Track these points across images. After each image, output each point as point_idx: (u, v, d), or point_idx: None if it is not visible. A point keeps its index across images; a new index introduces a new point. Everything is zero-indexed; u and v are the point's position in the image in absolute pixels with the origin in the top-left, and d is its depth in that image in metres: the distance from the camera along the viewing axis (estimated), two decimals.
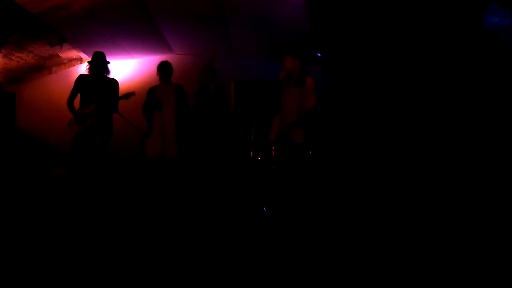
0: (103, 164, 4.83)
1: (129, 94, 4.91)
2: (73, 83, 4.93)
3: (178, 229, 3.85)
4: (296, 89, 4.60)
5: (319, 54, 5.79)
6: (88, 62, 4.98)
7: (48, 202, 4.59)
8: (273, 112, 4.71)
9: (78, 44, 6.42)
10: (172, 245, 3.32)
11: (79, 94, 4.92)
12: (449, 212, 4.07)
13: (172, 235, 3.61)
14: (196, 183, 5.15)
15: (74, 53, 6.77)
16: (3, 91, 6.18)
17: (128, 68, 7.12)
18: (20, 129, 6.66)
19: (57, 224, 3.84)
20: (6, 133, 5.88)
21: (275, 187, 4.90)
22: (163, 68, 5.23)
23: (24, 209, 4.31)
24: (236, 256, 3.05)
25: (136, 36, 6.19)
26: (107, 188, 4.92)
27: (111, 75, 5.05)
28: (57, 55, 6.64)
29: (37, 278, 2.52)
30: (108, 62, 5.01)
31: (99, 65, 4.90)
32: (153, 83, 5.37)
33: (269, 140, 4.83)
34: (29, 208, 4.37)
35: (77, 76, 5.03)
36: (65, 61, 6.98)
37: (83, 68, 5.87)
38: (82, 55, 6.82)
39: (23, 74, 6.82)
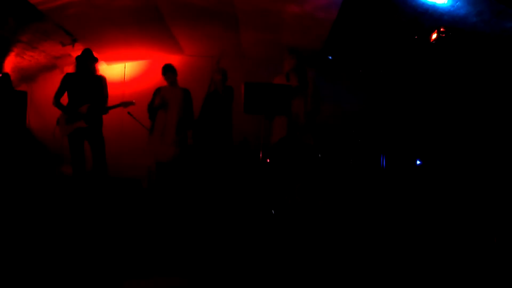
0: (104, 167, 4.81)
1: (128, 103, 5.01)
2: None
3: (182, 231, 3.82)
4: (299, 91, 4.55)
5: (330, 57, 5.73)
6: (76, 58, 4.92)
7: (54, 202, 4.58)
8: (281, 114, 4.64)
9: (90, 44, 6.42)
10: (175, 247, 3.29)
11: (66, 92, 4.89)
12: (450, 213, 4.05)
13: (174, 238, 3.59)
14: (199, 187, 5.06)
15: None
16: (14, 90, 6.20)
17: (139, 69, 7.14)
18: (31, 128, 6.69)
19: (56, 225, 3.83)
20: (16, 132, 5.90)
21: (284, 189, 4.83)
22: (170, 70, 5.22)
23: (30, 208, 4.31)
24: (240, 258, 3.01)
25: (148, 37, 6.19)
26: (110, 190, 4.90)
27: (100, 72, 5.05)
28: (69, 54, 6.65)
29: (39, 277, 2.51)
30: (96, 59, 4.97)
31: (86, 63, 4.85)
32: (163, 85, 5.35)
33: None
34: (34, 206, 4.37)
35: None
36: None
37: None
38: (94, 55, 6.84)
39: (34, 73, 6.86)
